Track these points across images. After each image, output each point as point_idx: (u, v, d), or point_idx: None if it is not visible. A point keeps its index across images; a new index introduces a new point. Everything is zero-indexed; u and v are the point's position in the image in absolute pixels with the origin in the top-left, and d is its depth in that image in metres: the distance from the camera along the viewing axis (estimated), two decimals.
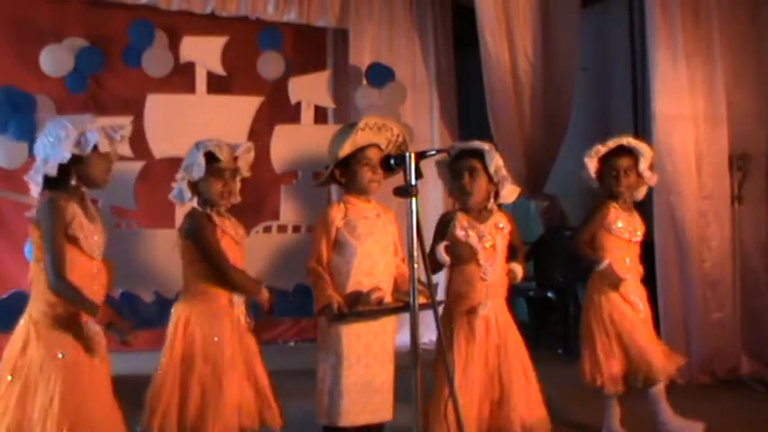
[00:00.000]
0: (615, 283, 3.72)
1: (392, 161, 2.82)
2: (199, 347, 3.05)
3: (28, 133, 4.78)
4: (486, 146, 3.34)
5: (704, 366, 5.00)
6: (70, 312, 2.68)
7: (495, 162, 3.30)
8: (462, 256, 3.24)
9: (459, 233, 3.29)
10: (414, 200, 2.45)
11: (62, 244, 2.65)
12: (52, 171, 2.68)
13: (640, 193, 3.90)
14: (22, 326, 2.68)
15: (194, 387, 3.02)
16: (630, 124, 6.35)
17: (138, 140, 4.99)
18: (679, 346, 5.00)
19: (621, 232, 3.78)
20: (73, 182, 2.73)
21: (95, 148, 2.70)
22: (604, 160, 3.80)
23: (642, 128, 6.12)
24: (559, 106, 5.87)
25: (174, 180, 4.95)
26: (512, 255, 3.43)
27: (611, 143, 3.78)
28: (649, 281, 4.98)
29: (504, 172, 3.33)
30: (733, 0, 5.15)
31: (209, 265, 3.09)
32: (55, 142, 2.69)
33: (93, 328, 2.71)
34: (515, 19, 5.72)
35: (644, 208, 5.25)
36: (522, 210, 7.53)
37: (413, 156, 2.49)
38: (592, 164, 3.80)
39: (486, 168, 3.29)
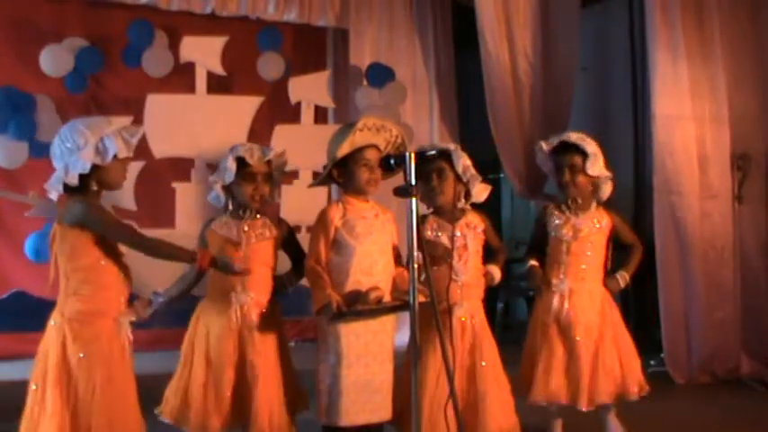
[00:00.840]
0: (535, 285, 3.66)
1: (392, 161, 2.84)
2: (203, 343, 3.18)
3: (28, 133, 4.78)
4: (451, 146, 3.37)
5: (704, 366, 5.01)
6: (105, 307, 2.80)
7: (463, 162, 3.33)
8: (435, 256, 3.25)
9: (430, 235, 3.32)
10: (414, 200, 2.45)
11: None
12: (74, 181, 2.74)
13: (603, 192, 3.62)
14: (56, 327, 2.73)
15: (198, 381, 3.13)
16: (630, 124, 6.33)
17: (139, 140, 4.98)
18: (679, 346, 5.03)
19: (557, 233, 3.61)
20: (94, 187, 2.80)
21: (115, 156, 2.77)
22: (553, 158, 3.66)
23: (642, 128, 6.11)
24: (559, 106, 5.86)
25: (174, 180, 5.00)
26: (490, 257, 3.43)
27: (555, 140, 3.63)
28: (650, 281, 5.01)
29: (472, 171, 3.35)
30: (733, 1, 5.16)
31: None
32: (73, 149, 2.74)
33: (125, 323, 2.86)
34: (515, 19, 5.72)
35: (644, 208, 5.28)
36: (522, 210, 7.55)
37: (413, 156, 2.49)
38: (545, 163, 3.70)
39: (453, 168, 3.32)
